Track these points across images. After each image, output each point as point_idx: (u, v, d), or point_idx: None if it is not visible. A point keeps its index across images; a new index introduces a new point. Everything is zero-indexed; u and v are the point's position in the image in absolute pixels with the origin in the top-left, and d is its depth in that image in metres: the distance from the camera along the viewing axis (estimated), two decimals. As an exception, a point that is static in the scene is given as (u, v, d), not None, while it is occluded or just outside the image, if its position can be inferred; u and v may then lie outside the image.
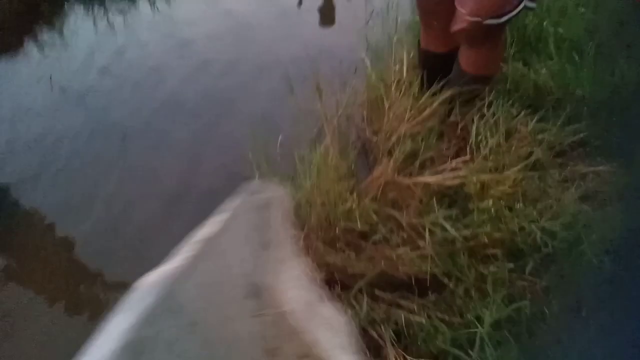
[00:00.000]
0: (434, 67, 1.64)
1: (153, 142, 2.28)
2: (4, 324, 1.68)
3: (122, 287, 1.62)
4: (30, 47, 3.38)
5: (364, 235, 1.37)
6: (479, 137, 1.50)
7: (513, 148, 1.47)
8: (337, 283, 1.32)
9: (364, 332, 1.24)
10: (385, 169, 1.46)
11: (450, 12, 1.38)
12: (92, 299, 1.71)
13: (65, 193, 2.12)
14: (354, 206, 1.37)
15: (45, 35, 3.42)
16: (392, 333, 1.20)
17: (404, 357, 1.16)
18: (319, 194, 1.40)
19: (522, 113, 1.59)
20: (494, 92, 1.58)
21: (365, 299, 1.26)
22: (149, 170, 2.13)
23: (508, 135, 1.52)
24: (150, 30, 3.24)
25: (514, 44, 1.90)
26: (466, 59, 1.49)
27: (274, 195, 0.99)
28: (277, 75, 2.42)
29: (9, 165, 2.34)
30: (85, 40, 3.34)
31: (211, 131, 2.26)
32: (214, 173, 1.98)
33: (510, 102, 1.60)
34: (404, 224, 1.35)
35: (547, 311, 1.21)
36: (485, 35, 1.38)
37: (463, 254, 1.27)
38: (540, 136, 1.54)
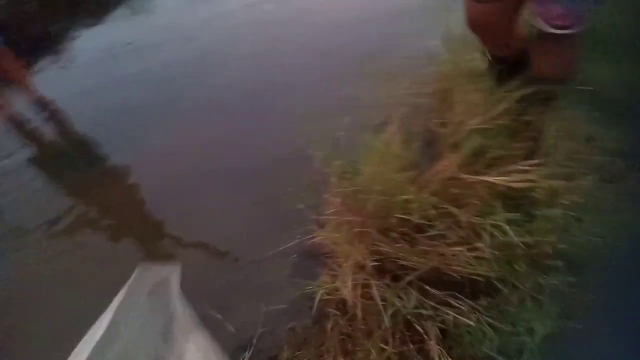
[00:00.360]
0: (502, 67, 1.57)
1: (222, 114, 2.34)
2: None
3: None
4: (116, 14, 3.55)
5: (420, 229, 1.35)
6: (554, 141, 1.42)
7: (589, 155, 1.39)
8: (387, 273, 1.32)
9: (409, 325, 1.24)
10: (449, 164, 1.42)
11: (501, 25, 1.33)
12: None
13: (136, 160, 2.24)
14: (412, 198, 1.35)
15: (131, 2, 3.57)
16: (437, 331, 1.19)
17: (448, 356, 1.15)
18: (378, 182, 1.39)
19: (604, 119, 1.50)
20: (574, 94, 1.49)
21: (415, 292, 1.25)
22: (215, 142, 2.20)
23: (586, 141, 1.43)
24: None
25: (599, 45, 1.77)
26: (539, 62, 1.43)
27: (166, 275, 0.98)
28: (349, 56, 2.41)
29: (96, 125, 2.51)
30: (169, 8, 3.46)
31: (279, 107, 2.28)
32: (279, 148, 2.01)
33: (592, 106, 1.51)
34: (463, 223, 1.32)
35: (604, 331, 1.16)
36: (556, 42, 1.30)
37: (523, 261, 1.23)
38: (620, 145, 1.44)
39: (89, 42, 3.40)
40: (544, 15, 1.25)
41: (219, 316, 1.42)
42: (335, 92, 2.17)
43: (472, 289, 1.24)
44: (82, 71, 3.12)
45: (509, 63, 1.56)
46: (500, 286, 1.22)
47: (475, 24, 1.50)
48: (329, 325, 1.31)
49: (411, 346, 1.20)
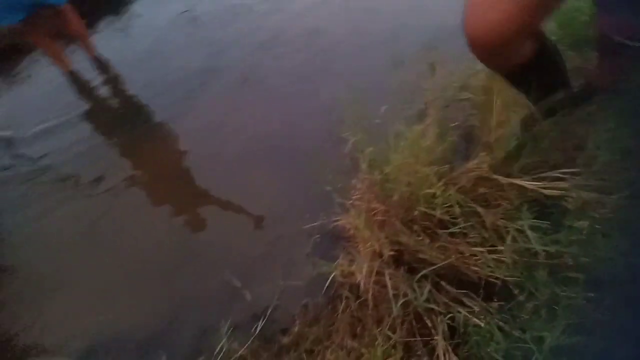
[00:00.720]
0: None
1: (264, 92, 2.39)
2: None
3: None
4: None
5: (442, 225, 1.35)
6: (594, 151, 1.37)
7: (626, 169, 1.33)
8: (404, 264, 1.34)
9: (419, 318, 1.25)
10: (481, 163, 1.40)
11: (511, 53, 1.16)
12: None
13: (179, 126, 2.31)
14: (438, 193, 1.34)
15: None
16: (446, 327, 1.20)
17: (453, 353, 1.16)
18: (406, 173, 1.39)
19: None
20: (622, 104, 1.43)
21: (429, 286, 1.26)
22: (254, 119, 2.25)
23: (624, 154, 1.37)
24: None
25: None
26: (599, 73, 1.37)
27: None
28: (395, 43, 2.37)
29: (147, 89, 2.60)
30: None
31: (320, 90, 2.29)
32: (315, 130, 2.03)
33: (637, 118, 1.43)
34: (487, 224, 1.31)
35: (616, 351, 1.13)
36: (620, 53, 1.24)
37: (542, 269, 1.21)
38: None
39: (148, 7, 3.50)
40: (612, 27, 1.20)
41: (239, 284, 1.49)
42: (377, 78, 2.16)
43: (487, 290, 1.24)
44: (139, 34, 3.23)
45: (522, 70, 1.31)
46: (515, 292, 1.21)
47: (480, 59, 1.18)
48: (341, 307, 1.34)
49: (418, 338, 1.22)
